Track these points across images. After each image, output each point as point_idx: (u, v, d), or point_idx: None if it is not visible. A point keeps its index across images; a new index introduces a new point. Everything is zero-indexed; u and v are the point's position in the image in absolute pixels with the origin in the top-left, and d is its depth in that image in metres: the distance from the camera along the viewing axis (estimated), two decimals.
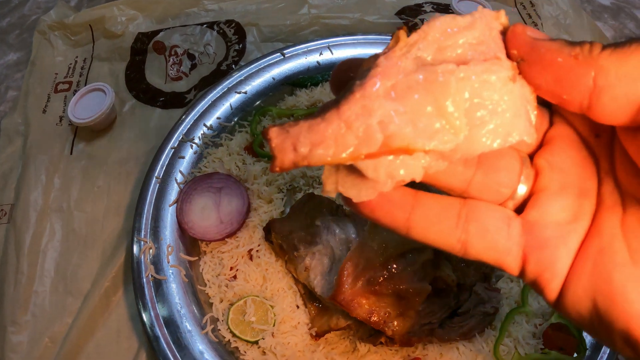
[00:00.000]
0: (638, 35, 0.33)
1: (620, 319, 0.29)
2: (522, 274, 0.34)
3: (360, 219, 0.86)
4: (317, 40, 1.17)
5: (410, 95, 0.29)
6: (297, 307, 0.89)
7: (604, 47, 0.27)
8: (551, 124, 0.35)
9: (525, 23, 1.39)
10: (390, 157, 0.29)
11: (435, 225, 0.34)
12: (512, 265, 0.34)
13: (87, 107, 1.13)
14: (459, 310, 0.86)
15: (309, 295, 0.88)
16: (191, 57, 1.23)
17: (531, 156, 0.36)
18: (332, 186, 0.32)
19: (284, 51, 1.15)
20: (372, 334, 0.82)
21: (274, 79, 1.12)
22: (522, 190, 0.35)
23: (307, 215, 0.89)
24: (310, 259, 0.85)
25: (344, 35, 1.18)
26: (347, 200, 0.32)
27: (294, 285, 0.90)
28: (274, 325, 0.87)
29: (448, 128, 0.29)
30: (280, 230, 0.89)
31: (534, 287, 0.34)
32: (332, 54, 1.15)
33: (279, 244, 0.89)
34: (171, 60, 1.22)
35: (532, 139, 0.32)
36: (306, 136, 0.28)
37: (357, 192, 0.31)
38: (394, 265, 0.77)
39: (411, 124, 0.29)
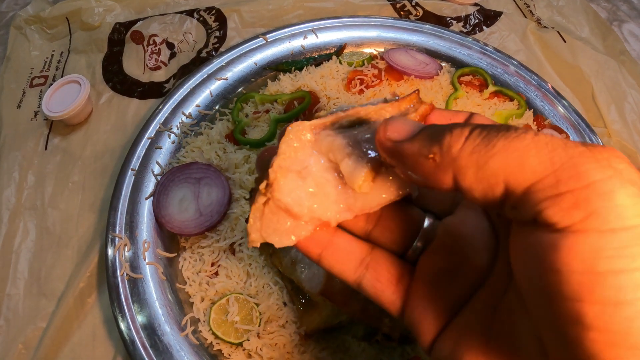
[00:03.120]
0: (503, 126, 0.29)
1: None
2: (401, 319, 0.37)
3: None
4: (301, 24, 1.04)
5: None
6: (285, 304, 0.77)
7: (466, 140, 0.27)
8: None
9: (518, 5, 1.28)
10: (311, 196, 0.34)
11: (339, 264, 0.37)
12: (393, 312, 0.37)
13: (62, 100, 1.02)
14: None
15: (296, 291, 0.75)
16: (170, 46, 1.10)
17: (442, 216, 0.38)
18: (257, 234, 0.34)
19: (267, 36, 1.02)
20: (367, 331, 0.70)
21: (256, 64, 1.00)
22: (419, 246, 0.38)
23: None
24: (296, 251, 0.73)
25: (329, 18, 1.06)
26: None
27: (280, 280, 0.78)
28: (259, 325, 0.75)
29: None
30: None
31: (412, 332, 0.37)
32: (317, 37, 1.03)
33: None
34: (149, 49, 1.10)
35: (416, 194, 0.35)
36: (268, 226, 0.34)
37: (279, 239, 0.34)
38: None
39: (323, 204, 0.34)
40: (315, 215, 0.33)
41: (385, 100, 0.37)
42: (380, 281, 0.37)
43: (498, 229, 0.35)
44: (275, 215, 0.33)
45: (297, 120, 0.91)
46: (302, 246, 0.37)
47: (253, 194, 0.35)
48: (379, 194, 0.34)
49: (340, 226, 0.38)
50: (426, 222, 0.38)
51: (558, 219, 0.24)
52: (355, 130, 0.35)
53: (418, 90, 0.38)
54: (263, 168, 0.34)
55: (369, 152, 0.34)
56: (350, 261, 0.37)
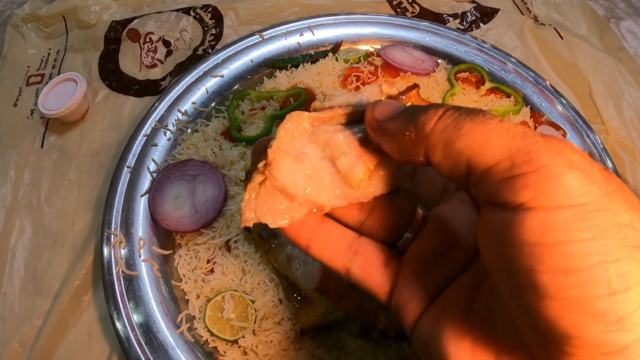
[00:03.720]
0: (473, 110, 0.31)
1: None
2: (389, 304, 0.38)
3: None
4: (297, 21, 1.03)
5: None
6: (280, 301, 0.76)
7: (439, 120, 0.29)
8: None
9: (515, 2, 1.27)
10: (307, 178, 0.34)
11: (328, 249, 0.38)
12: (381, 296, 0.38)
13: (58, 98, 1.01)
14: None
15: (292, 287, 0.74)
16: (167, 43, 1.09)
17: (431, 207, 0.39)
18: (251, 213, 0.34)
19: (263, 33, 1.01)
20: (363, 328, 0.69)
21: (252, 61, 0.99)
22: (410, 235, 0.39)
23: None
24: (291, 247, 0.72)
25: (325, 15, 1.05)
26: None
27: (275, 277, 0.77)
28: (254, 322, 0.74)
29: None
30: None
31: (396, 316, 0.38)
32: (313, 34, 1.02)
33: (258, 232, 0.76)
34: (146, 47, 1.09)
35: (406, 186, 0.37)
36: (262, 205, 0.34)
37: (273, 218, 0.34)
38: None
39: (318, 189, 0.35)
40: (310, 198, 0.34)
41: (382, 92, 0.37)
42: (369, 264, 0.38)
43: None
44: (270, 196, 0.33)
45: None
46: (292, 231, 0.37)
47: (249, 174, 0.35)
48: (374, 187, 0.36)
49: (332, 215, 0.39)
50: (417, 213, 0.39)
51: (511, 198, 0.26)
52: (353, 128, 0.36)
53: (418, 86, 0.38)
54: (259, 153, 0.35)
55: (366, 150, 0.35)
56: (339, 247, 0.38)
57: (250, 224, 0.34)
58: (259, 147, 0.37)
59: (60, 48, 1.16)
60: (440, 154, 0.29)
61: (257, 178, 0.34)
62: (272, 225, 0.34)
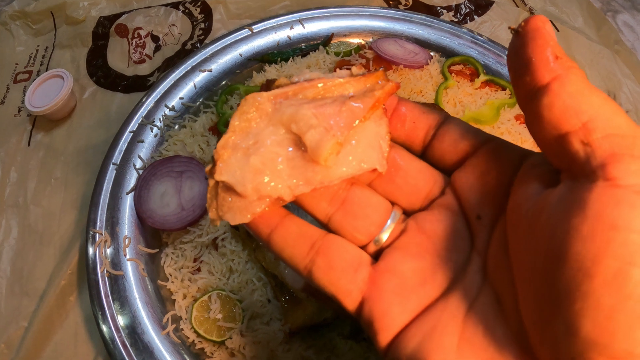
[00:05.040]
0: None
1: None
2: (357, 315, 0.34)
3: None
4: (288, 14, 1.00)
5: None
6: (269, 301, 0.72)
7: (446, 124, 0.34)
8: (442, 193, 0.36)
9: None
10: (258, 173, 0.32)
11: (289, 248, 0.35)
12: (348, 305, 0.34)
13: (45, 95, 0.98)
14: None
15: (280, 287, 0.71)
16: (155, 39, 1.06)
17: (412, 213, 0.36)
18: (214, 212, 0.33)
19: (253, 26, 0.98)
20: (354, 328, 0.66)
21: (241, 55, 0.95)
22: (384, 238, 0.35)
23: None
24: None
25: (316, 8, 1.01)
26: None
27: (263, 276, 0.73)
28: (242, 323, 0.71)
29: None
30: None
31: (367, 330, 0.33)
32: (304, 28, 0.99)
33: (246, 230, 0.72)
34: (134, 43, 1.06)
35: (383, 169, 0.34)
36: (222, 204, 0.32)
37: (232, 216, 0.32)
38: None
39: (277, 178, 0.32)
40: (263, 193, 0.32)
41: (352, 75, 0.35)
42: (334, 268, 0.34)
43: (474, 231, 0.34)
44: (227, 194, 0.32)
45: None
46: (252, 225, 0.35)
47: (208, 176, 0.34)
48: (341, 166, 0.33)
49: (299, 205, 0.36)
50: (393, 215, 0.36)
51: (621, 176, 0.24)
52: (320, 102, 0.33)
53: (384, 67, 0.38)
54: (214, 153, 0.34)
55: (335, 124, 0.32)
56: (300, 244, 0.34)
57: (217, 224, 0.33)
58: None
59: (49, 45, 1.13)
60: (567, 91, 0.26)
61: (211, 180, 0.33)
62: (233, 223, 0.32)
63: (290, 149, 0.32)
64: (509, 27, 0.31)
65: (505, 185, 0.32)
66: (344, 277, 0.34)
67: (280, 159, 0.32)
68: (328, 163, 0.31)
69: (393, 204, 0.37)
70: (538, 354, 0.27)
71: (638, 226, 0.22)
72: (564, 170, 0.27)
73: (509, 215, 0.31)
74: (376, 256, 0.35)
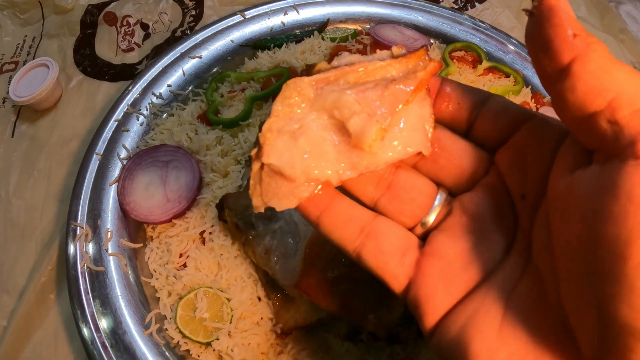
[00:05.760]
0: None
1: None
2: (404, 297, 0.33)
3: None
4: (281, 0, 0.93)
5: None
6: (259, 299, 0.65)
7: (489, 102, 0.31)
8: (487, 173, 0.34)
9: None
10: (306, 156, 0.30)
11: (338, 230, 0.34)
12: (395, 288, 0.33)
13: (29, 84, 0.91)
14: None
15: (272, 284, 0.64)
16: (144, 26, 0.99)
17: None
18: (258, 199, 0.32)
19: (245, 12, 0.91)
20: (350, 329, 0.59)
21: (232, 41, 0.88)
22: (430, 221, 0.34)
23: None
24: (270, 238, 0.61)
25: None
26: None
27: (253, 272, 0.66)
28: (230, 323, 0.63)
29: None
30: (235, 205, 0.65)
31: (414, 313, 0.33)
32: (298, 13, 0.91)
33: (235, 222, 0.65)
34: (123, 31, 0.98)
35: (428, 152, 0.33)
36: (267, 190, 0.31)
37: (279, 202, 0.31)
38: None
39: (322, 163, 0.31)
40: (312, 176, 0.31)
41: (393, 56, 0.33)
42: (383, 252, 0.33)
43: (519, 211, 0.32)
44: (272, 179, 0.31)
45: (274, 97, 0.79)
46: (301, 207, 0.33)
47: (250, 160, 0.31)
48: (387, 151, 0.32)
49: (345, 191, 0.34)
50: (439, 197, 0.35)
51: None
52: (362, 87, 0.31)
53: (426, 45, 0.35)
54: (257, 137, 0.32)
55: (378, 109, 0.31)
56: (350, 227, 0.33)
57: (262, 210, 0.32)
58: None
59: (36, 35, 1.06)
60: (588, 71, 0.24)
61: (256, 165, 0.31)
62: (279, 209, 0.31)
63: (335, 135, 0.31)
64: (523, 9, 0.28)
65: (547, 163, 0.30)
66: (392, 261, 0.33)
67: (326, 143, 0.30)
68: (373, 150, 0.30)
69: (438, 185, 0.35)
70: (578, 339, 0.25)
71: None
72: (596, 150, 0.26)
73: (549, 194, 0.29)
74: (423, 238, 0.34)
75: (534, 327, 0.28)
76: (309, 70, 0.33)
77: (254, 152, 0.31)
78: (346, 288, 0.54)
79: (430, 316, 0.31)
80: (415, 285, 0.32)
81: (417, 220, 0.34)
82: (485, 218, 0.33)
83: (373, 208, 0.35)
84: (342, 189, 0.34)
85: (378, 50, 0.34)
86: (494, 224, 0.32)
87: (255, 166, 0.31)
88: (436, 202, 0.34)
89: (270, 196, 0.31)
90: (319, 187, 0.32)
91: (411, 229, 0.35)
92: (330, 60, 0.81)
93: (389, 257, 0.33)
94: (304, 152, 0.30)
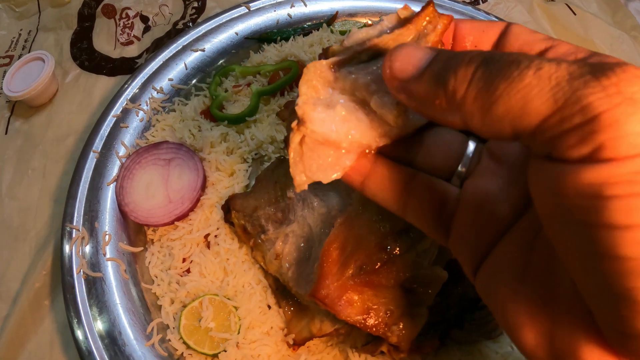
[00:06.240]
0: (506, 61, 0.23)
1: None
2: (448, 247, 0.34)
3: (347, 185, 0.57)
4: None
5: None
6: (269, 307, 0.59)
7: (469, 86, 0.24)
8: None
9: None
10: (346, 122, 0.30)
11: (381, 193, 0.34)
12: (440, 240, 0.34)
13: (24, 79, 0.86)
14: (482, 302, 0.56)
15: (282, 291, 0.58)
16: (144, 19, 0.93)
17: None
18: (301, 176, 0.31)
19: (250, 4, 0.85)
20: (369, 340, 0.53)
21: (237, 34, 0.82)
22: (463, 171, 0.34)
23: (276, 185, 0.58)
24: (282, 242, 0.56)
25: None
26: None
27: (263, 278, 0.60)
28: (238, 333, 0.58)
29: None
30: (243, 207, 0.59)
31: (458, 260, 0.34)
32: (305, 6, 0.86)
33: (242, 225, 0.59)
34: (122, 24, 0.92)
35: None
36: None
37: (324, 174, 0.31)
38: (396, 245, 0.48)
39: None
40: (354, 140, 0.31)
41: (400, 22, 0.32)
42: (424, 209, 0.34)
43: None
44: (314, 152, 0.31)
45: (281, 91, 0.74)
46: (345, 177, 0.34)
47: (286, 139, 0.32)
48: (415, 118, 0.31)
49: (382, 153, 0.34)
50: (470, 146, 0.34)
51: (568, 154, 0.22)
52: (375, 65, 0.31)
53: (432, 1, 0.31)
54: (290, 112, 0.31)
55: None
56: (392, 188, 0.34)
57: (305, 187, 0.31)
58: (288, 107, 0.36)
59: (32, 28, 1.00)
60: (479, 122, 0.24)
61: (296, 138, 0.31)
62: (325, 181, 0.31)
63: (362, 109, 0.31)
64: None
65: None
66: (432, 216, 0.34)
67: (359, 113, 0.30)
68: (399, 123, 0.30)
69: (468, 135, 0.35)
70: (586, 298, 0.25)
71: None
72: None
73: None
74: (460, 186, 0.34)
75: (554, 276, 0.27)
76: (325, 54, 0.32)
77: (294, 124, 0.31)
78: (368, 297, 0.48)
79: (468, 266, 0.32)
80: (452, 239, 0.33)
81: (452, 172, 0.34)
82: (513, 161, 0.32)
83: (411, 166, 0.35)
84: (380, 154, 0.34)
85: (385, 17, 0.33)
86: (522, 167, 0.31)
87: (296, 140, 0.30)
88: (468, 152, 0.34)
89: (315, 170, 0.31)
90: (362, 151, 0.32)
91: (448, 180, 0.34)
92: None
93: (430, 212, 0.33)
94: (343, 117, 0.30)
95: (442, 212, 0.33)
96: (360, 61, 0.31)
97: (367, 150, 0.32)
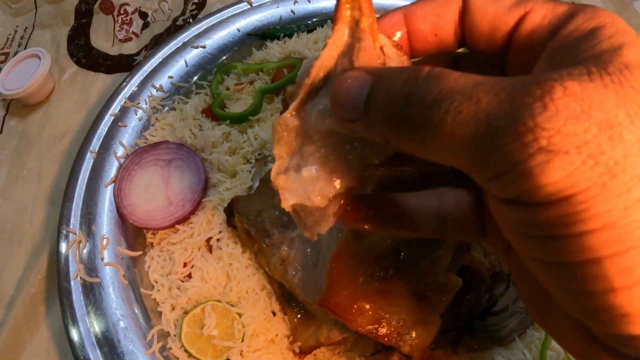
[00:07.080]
0: (423, 109, 0.23)
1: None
2: None
3: None
4: None
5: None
6: (274, 313, 0.56)
7: (399, 138, 0.25)
8: None
9: None
10: (315, 181, 0.30)
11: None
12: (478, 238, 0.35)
13: (20, 76, 0.82)
14: (494, 309, 0.53)
15: (288, 297, 0.54)
16: (143, 15, 0.89)
17: None
18: (307, 232, 0.32)
19: (252, 0, 0.81)
20: (378, 349, 0.50)
21: (239, 30, 0.78)
22: None
23: None
24: (287, 247, 0.52)
25: None
26: None
27: (267, 284, 0.57)
28: (242, 341, 0.54)
29: None
30: (246, 210, 0.55)
31: None
32: (309, 2, 0.82)
33: (246, 229, 0.55)
34: (120, 20, 0.89)
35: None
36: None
37: (320, 228, 0.31)
38: (408, 252, 0.45)
39: None
40: (329, 195, 0.30)
41: (332, 28, 0.30)
42: (460, 211, 0.34)
43: None
44: (305, 212, 0.31)
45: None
46: (340, 221, 0.33)
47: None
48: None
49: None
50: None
51: (498, 195, 0.23)
52: (327, 87, 0.30)
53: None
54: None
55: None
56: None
57: (315, 238, 0.32)
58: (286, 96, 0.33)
59: (28, 25, 0.96)
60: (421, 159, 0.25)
61: (287, 209, 0.31)
62: (324, 232, 0.31)
63: (335, 151, 0.30)
64: None
65: None
66: (471, 216, 0.35)
67: (330, 157, 0.30)
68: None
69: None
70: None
71: None
72: None
73: None
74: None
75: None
76: (284, 104, 0.32)
77: (276, 200, 0.31)
78: (380, 305, 0.45)
79: (501, 252, 0.33)
80: (486, 233, 0.33)
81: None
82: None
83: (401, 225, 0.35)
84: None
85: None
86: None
87: (287, 208, 0.31)
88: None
89: (313, 226, 0.31)
90: (343, 202, 0.31)
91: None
92: None
93: (467, 215, 0.34)
94: (310, 178, 0.30)
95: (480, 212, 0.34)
96: (317, 88, 0.30)
97: (351, 190, 0.31)
